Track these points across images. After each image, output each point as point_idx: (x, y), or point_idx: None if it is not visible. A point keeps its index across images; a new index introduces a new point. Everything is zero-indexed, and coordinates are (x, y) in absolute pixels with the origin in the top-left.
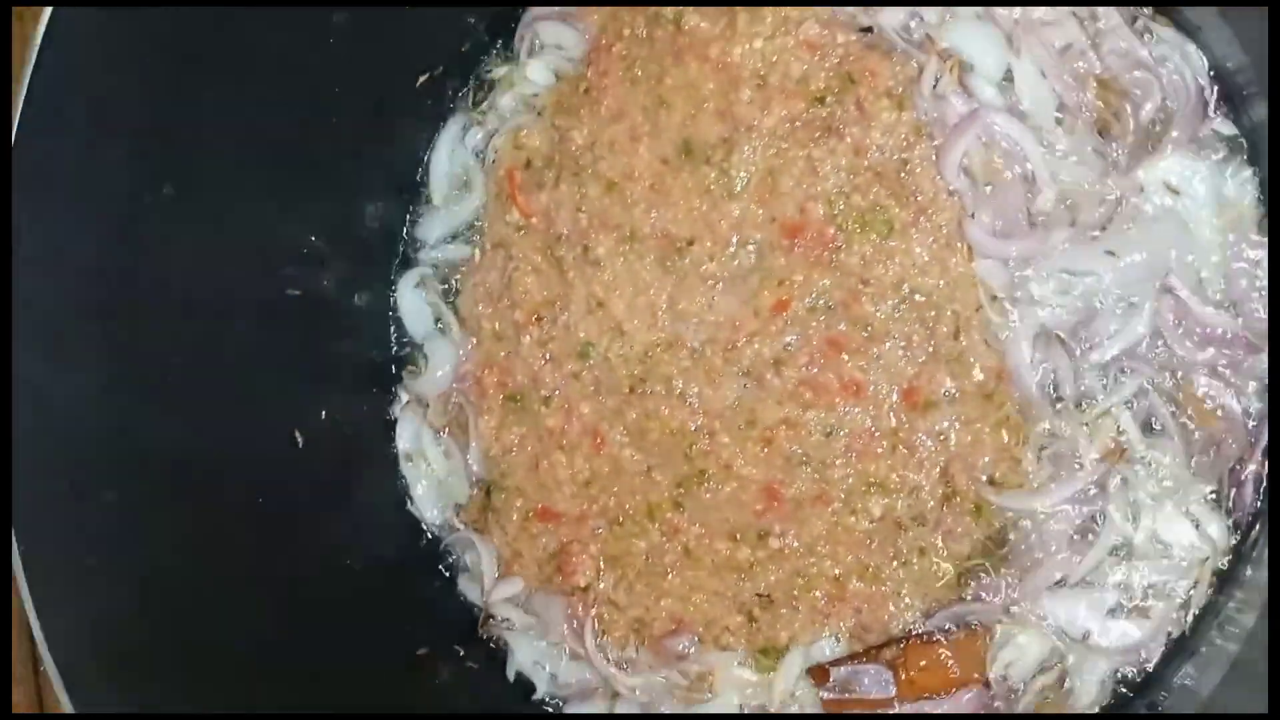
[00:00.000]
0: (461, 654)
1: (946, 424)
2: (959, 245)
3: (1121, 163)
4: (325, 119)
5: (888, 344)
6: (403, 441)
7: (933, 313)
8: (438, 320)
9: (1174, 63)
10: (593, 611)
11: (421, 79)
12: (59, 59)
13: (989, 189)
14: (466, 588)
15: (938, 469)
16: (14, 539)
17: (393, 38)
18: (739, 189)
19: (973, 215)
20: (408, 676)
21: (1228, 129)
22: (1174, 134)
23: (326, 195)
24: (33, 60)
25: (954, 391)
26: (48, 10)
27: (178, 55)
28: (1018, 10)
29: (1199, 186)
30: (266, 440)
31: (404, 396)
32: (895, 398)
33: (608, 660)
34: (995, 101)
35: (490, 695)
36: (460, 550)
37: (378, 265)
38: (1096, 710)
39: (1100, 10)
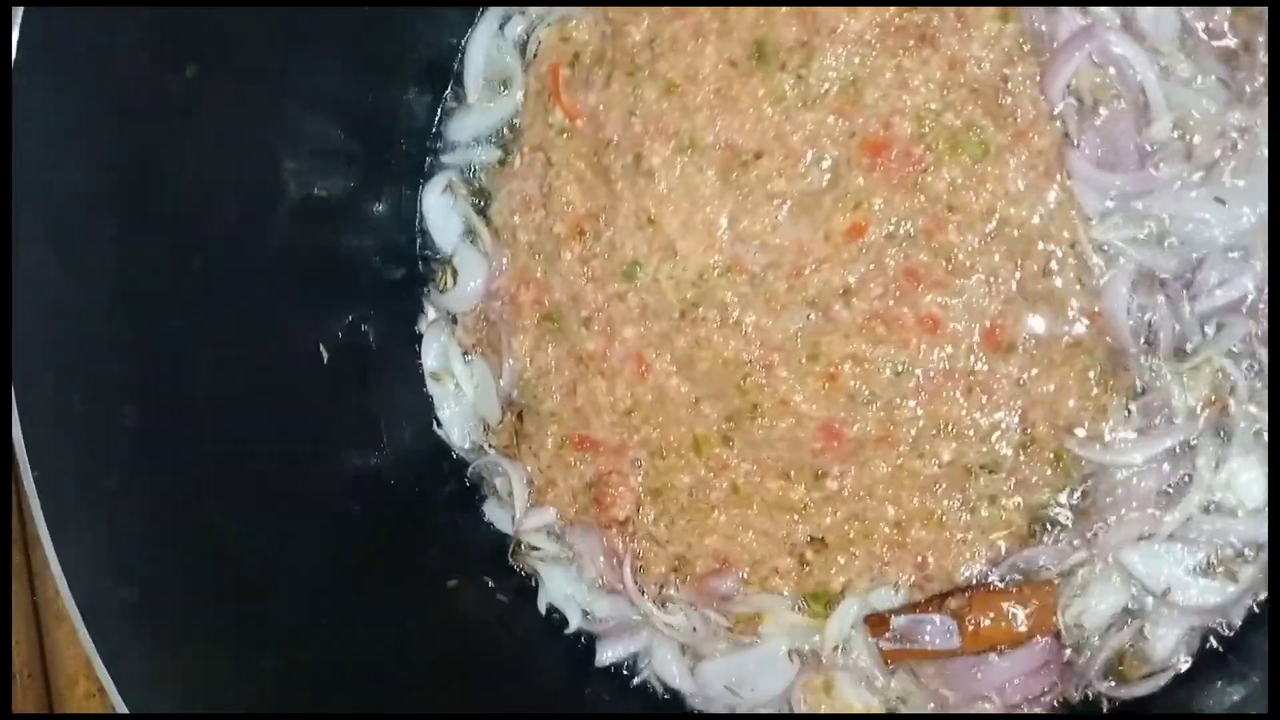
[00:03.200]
0: (490, 585)
1: (1030, 367)
2: (1058, 175)
3: (1247, 95)
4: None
5: (972, 278)
6: (429, 359)
7: (1024, 247)
8: (468, 230)
9: None
10: (631, 545)
11: None
12: None
13: (1098, 114)
14: (495, 515)
15: (1017, 415)
16: (27, 462)
17: None
18: (816, 99)
19: (1076, 143)
20: (435, 609)
21: None
22: None
23: (354, 85)
24: None
25: (1041, 333)
26: None
27: None
28: None
29: None
30: (290, 353)
31: (431, 311)
32: (976, 337)
33: (645, 597)
34: (1111, 17)
35: (521, 630)
36: (489, 476)
37: (404, 167)
38: (1177, 662)
39: None
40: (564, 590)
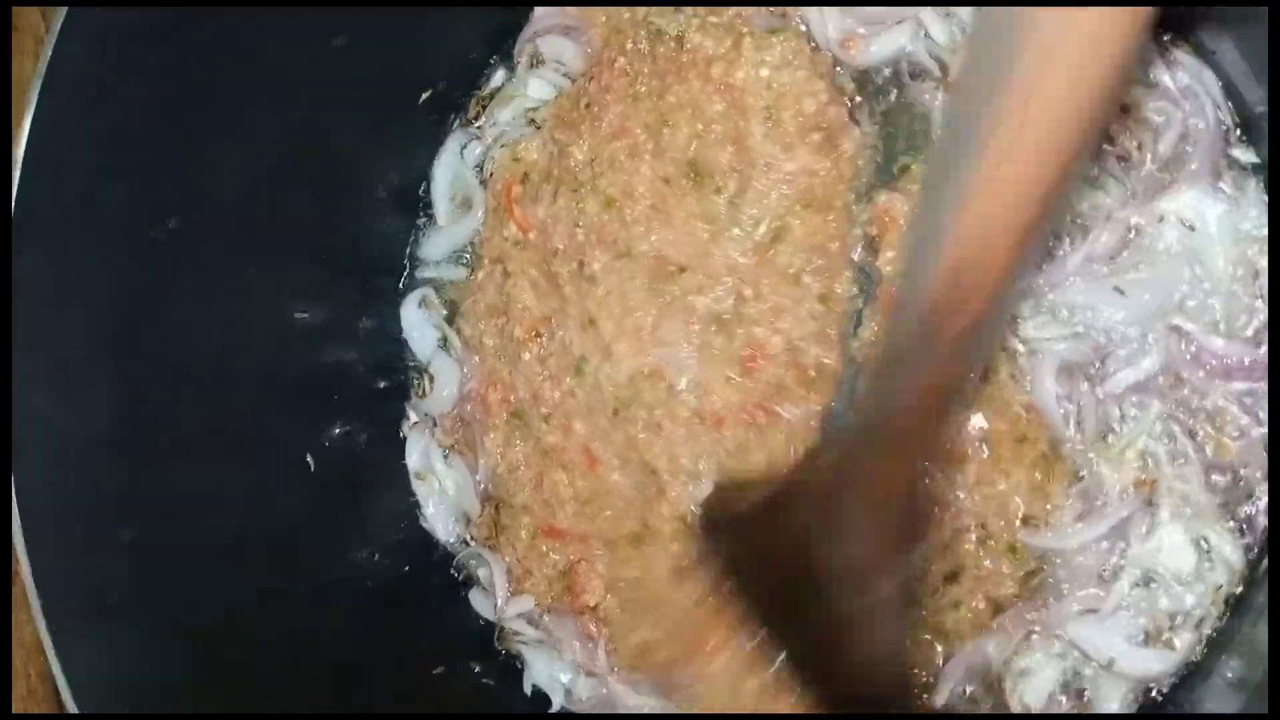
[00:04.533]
0: (476, 670)
1: (983, 470)
2: None
3: (1139, 193)
4: (329, 143)
5: None
6: (413, 460)
7: None
8: (442, 339)
9: (1196, 93)
10: (604, 630)
11: (424, 96)
12: (59, 100)
13: None
14: (479, 604)
15: (972, 518)
16: (33, 585)
17: (394, 56)
18: (747, 228)
19: None
20: (424, 697)
21: (1247, 157)
22: (1192, 167)
23: (332, 220)
24: (33, 103)
25: (987, 434)
26: (48, 51)
27: (177, 89)
28: None
29: (1213, 222)
30: (279, 467)
31: (412, 415)
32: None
33: (617, 678)
34: None
35: (508, 710)
36: (473, 567)
37: (383, 287)
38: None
39: None
40: (547, 672)
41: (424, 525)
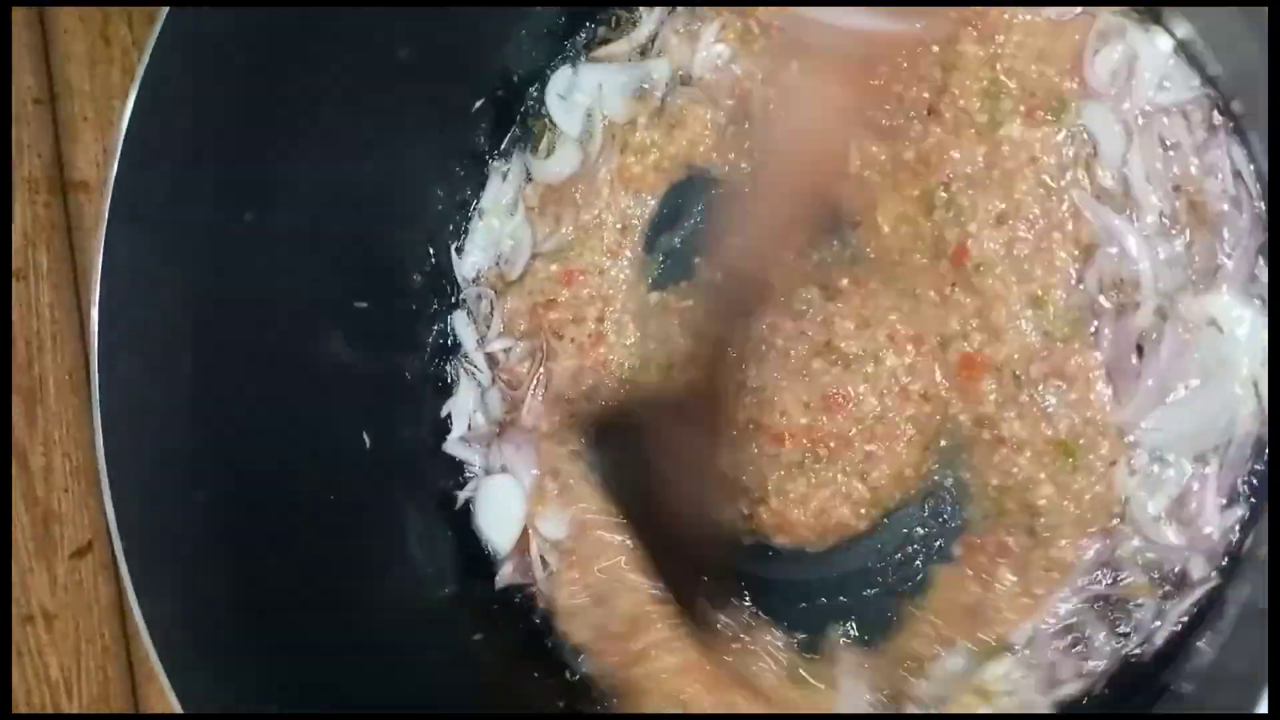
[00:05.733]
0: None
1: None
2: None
3: (1195, 287)
4: (391, 148)
5: None
6: (489, 197)
7: None
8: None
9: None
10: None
11: (477, 104)
12: (153, 104)
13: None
14: (460, 328)
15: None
16: (117, 535)
17: (452, 66)
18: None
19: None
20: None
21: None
22: (1230, 266)
23: (385, 217)
24: (130, 105)
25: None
26: (145, 57)
27: (256, 95)
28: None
29: (1241, 332)
30: (338, 441)
31: (509, 168)
32: None
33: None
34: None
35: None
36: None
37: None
38: None
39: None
40: (466, 407)
41: (454, 259)
